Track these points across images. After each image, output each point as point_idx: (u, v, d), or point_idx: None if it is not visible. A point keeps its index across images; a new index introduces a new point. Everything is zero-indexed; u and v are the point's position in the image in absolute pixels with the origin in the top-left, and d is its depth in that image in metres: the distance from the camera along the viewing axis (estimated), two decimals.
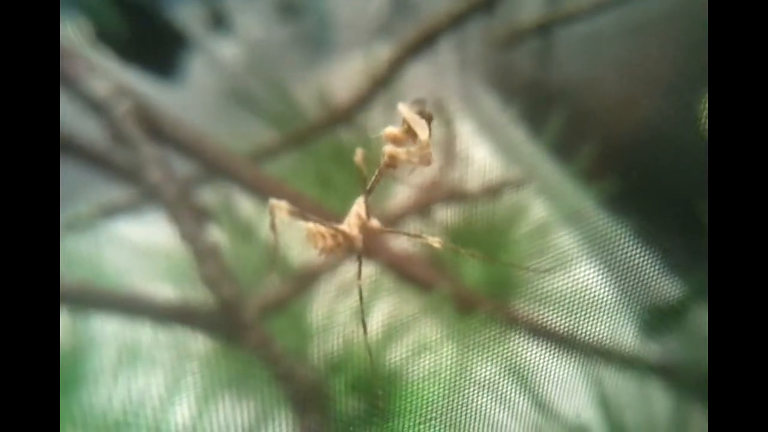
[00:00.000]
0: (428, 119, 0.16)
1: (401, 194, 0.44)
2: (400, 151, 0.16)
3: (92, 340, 0.34)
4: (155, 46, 0.49)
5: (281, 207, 0.17)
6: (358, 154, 0.17)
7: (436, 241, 0.19)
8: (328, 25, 0.75)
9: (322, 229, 0.17)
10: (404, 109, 0.16)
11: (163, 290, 0.40)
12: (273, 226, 0.18)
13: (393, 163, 0.17)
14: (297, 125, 0.46)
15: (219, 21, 0.55)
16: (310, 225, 0.17)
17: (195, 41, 0.53)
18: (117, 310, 0.28)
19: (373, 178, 0.17)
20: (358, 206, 0.18)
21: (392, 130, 0.17)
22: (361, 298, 0.20)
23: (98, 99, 0.27)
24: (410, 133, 0.16)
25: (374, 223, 0.18)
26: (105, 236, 0.45)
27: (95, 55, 0.42)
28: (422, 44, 0.37)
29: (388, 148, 0.16)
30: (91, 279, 0.41)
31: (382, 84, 0.39)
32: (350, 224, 0.18)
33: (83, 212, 0.46)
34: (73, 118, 0.36)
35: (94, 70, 0.27)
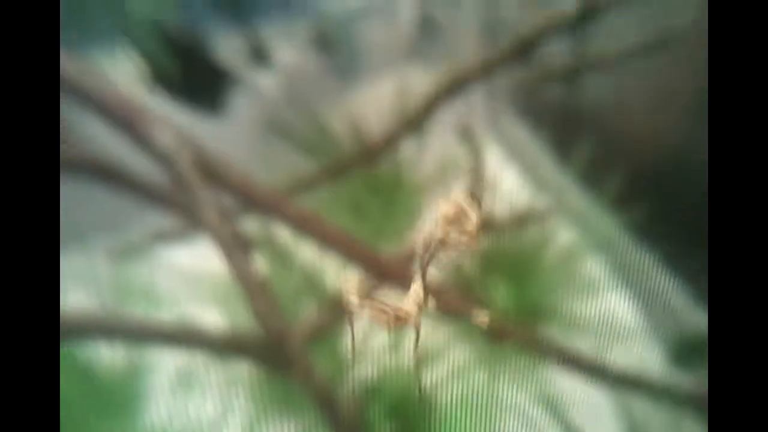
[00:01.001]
0: (478, 203, 0.19)
1: (427, 224, 0.46)
2: (452, 234, 0.19)
3: (147, 365, 0.37)
4: (202, 84, 0.53)
5: (352, 289, 0.20)
6: (416, 239, 0.20)
7: (484, 318, 0.21)
8: (358, 50, 0.78)
9: (386, 307, 0.19)
10: (457, 197, 0.19)
11: (212, 314, 0.43)
12: (349, 316, 0.20)
13: (444, 243, 0.19)
14: (332, 156, 0.49)
15: (260, 56, 0.59)
16: (375, 303, 0.19)
17: (237, 76, 0.56)
18: (170, 342, 0.30)
19: (426, 258, 0.20)
20: (417, 286, 0.20)
21: (446, 210, 0.19)
22: (417, 367, 0.22)
23: (162, 150, 0.30)
24: (461, 214, 0.19)
25: (431, 302, 0.20)
26: (157, 262, 0.48)
27: (155, 101, 0.46)
28: (454, 89, 0.39)
29: (441, 230, 0.19)
30: (145, 304, 0.44)
31: (413, 125, 0.41)
32: (410, 302, 0.20)
33: (136, 240, 0.50)
34: (133, 159, 0.40)
35: (158, 122, 0.30)
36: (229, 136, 0.56)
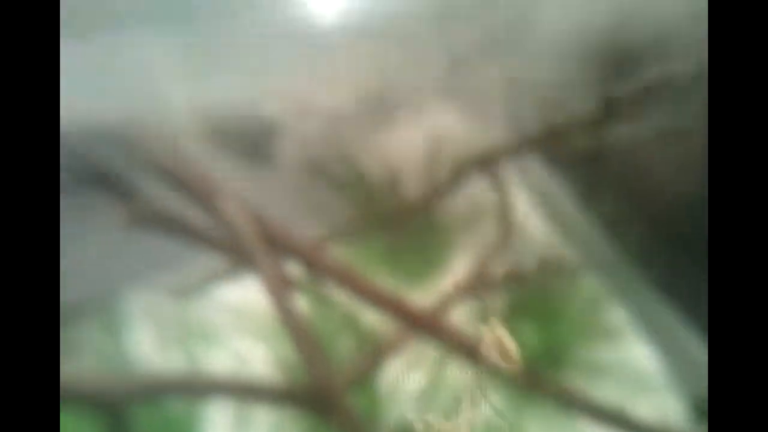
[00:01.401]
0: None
1: (456, 271, 0.49)
2: (497, 358, 0.23)
3: (204, 408, 0.41)
4: (251, 136, 0.58)
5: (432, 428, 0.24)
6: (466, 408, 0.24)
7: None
8: (392, 93, 0.82)
9: (443, 427, 0.23)
10: (494, 331, 0.23)
11: (259, 351, 0.46)
12: None
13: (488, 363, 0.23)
14: (367, 206, 0.52)
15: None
16: (433, 423, 0.23)
17: (280, 123, 0.61)
18: (223, 394, 0.34)
19: (475, 388, 0.23)
20: (469, 414, 0.24)
21: (489, 347, 0.23)
22: None
23: (226, 218, 0.34)
24: (501, 343, 0.23)
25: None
26: (208, 301, 0.52)
27: (211, 156, 0.51)
28: (484, 164, 0.43)
29: (485, 355, 0.23)
30: (201, 342, 0.48)
31: (444, 191, 0.45)
32: (460, 427, 0.24)
33: (189, 279, 0.55)
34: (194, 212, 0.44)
35: (222, 191, 0.34)
36: (270, 181, 0.60)
